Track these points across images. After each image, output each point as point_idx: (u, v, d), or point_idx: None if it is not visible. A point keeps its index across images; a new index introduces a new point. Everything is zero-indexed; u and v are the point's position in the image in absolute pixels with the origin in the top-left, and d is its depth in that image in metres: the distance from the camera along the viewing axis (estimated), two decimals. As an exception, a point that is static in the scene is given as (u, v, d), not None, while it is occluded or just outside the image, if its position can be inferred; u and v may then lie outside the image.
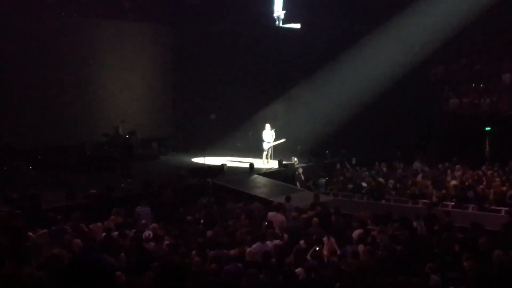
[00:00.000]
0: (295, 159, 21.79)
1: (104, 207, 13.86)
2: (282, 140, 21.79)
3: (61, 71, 22.26)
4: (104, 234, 11.63)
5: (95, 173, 19.20)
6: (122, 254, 10.22)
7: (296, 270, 9.48)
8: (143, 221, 12.73)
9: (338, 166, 21.79)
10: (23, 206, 13.76)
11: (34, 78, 21.21)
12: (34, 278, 5.83)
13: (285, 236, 12.30)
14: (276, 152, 22.05)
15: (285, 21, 25.20)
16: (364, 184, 19.34)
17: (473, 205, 16.19)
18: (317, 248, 10.59)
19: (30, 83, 21.10)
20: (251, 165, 20.20)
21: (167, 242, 11.28)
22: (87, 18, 23.31)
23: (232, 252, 10.63)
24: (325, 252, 10.71)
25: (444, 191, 17.51)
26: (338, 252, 10.79)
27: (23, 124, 20.48)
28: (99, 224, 12.42)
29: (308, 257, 10.19)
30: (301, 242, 11.41)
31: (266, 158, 21.70)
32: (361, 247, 10.75)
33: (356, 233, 11.88)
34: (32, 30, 21.08)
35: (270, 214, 13.74)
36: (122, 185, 17.23)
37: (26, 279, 5.68)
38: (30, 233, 10.81)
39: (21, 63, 20.85)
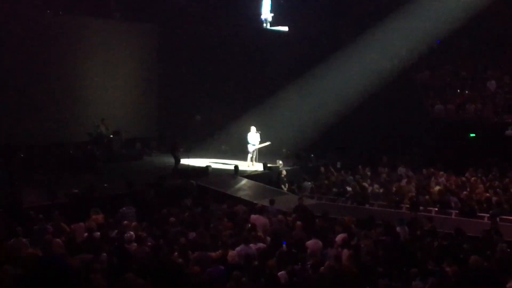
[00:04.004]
0: (280, 162, 21.74)
1: (85, 207, 13.70)
2: (267, 143, 21.73)
3: (44, 69, 22.01)
4: (86, 234, 11.53)
5: (77, 172, 18.99)
6: (104, 254, 10.12)
7: (279, 274, 9.43)
8: (125, 222, 12.61)
9: (323, 169, 21.75)
10: (4, 204, 13.60)
11: (16, 75, 20.93)
12: (11, 276, 5.78)
13: (268, 239, 12.24)
14: (261, 155, 22.00)
15: (273, 23, 25.17)
16: (348, 188, 19.33)
17: (456, 211, 16.24)
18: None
19: (13, 81, 20.82)
20: (236, 167, 20.11)
21: (149, 243, 11.19)
22: (73, 16, 23.07)
23: (215, 254, 10.57)
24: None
25: (427, 197, 17.54)
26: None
27: (4, 122, 20.25)
28: (81, 224, 12.34)
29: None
30: (284, 245, 11.37)
31: (251, 160, 21.63)
32: (345, 252, 10.72)
33: (339, 237, 11.85)
34: (16, 27, 20.81)
35: (253, 216, 13.68)
36: (105, 185, 17.08)
37: (3, 277, 5.63)
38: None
39: (2, 61, 20.61)
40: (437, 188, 18.35)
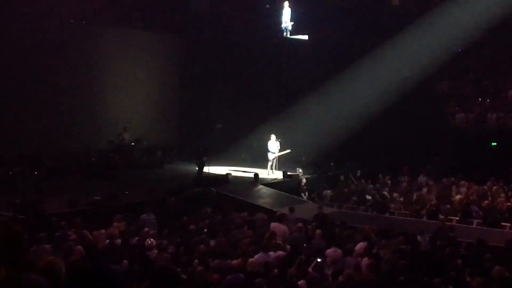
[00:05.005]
0: (300, 170, 21.73)
1: (106, 214, 13.82)
2: (287, 151, 21.74)
3: (68, 77, 22.26)
4: (107, 241, 11.62)
5: (99, 179, 19.17)
6: (125, 261, 10.20)
7: (298, 282, 9.42)
8: (146, 229, 12.70)
9: (343, 178, 21.72)
10: (26, 211, 13.76)
11: (40, 84, 21.21)
12: (34, 283, 5.81)
13: (288, 247, 12.24)
14: (281, 163, 22.00)
15: (293, 32, 25.23)
16: (368, 197, 19.27)
17: (478, 221, 16.10)
18: (319, 260, 10.54)
19: (37, 89, 21.12)
20: (256, 175, 20.15)
21: (169, 250, 11.25)
22: (96, 26, 23.38)
23: (235, 262, 10.58)
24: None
25: (448, 206, 17.42)
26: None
27: (28, 130, 20.49)
28: (103, 231, 12.43)
29: (310, 269, 10.14)
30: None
31: (271, 168, 21.65)
32: (364, 260, 10.69)
33: (359, 246, 11.81)
34: (40, 36, 21.08)
35: (273, 224, 13.70)
36: (126, 192, 17.20)
37: (26, 284, 5.65)
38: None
39: (28, 70, 20.83)
40: (458, 197, 18.22)
